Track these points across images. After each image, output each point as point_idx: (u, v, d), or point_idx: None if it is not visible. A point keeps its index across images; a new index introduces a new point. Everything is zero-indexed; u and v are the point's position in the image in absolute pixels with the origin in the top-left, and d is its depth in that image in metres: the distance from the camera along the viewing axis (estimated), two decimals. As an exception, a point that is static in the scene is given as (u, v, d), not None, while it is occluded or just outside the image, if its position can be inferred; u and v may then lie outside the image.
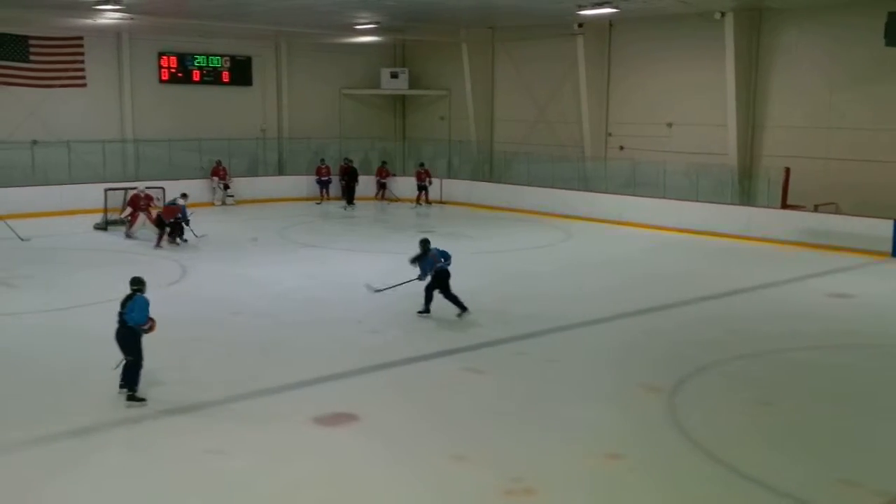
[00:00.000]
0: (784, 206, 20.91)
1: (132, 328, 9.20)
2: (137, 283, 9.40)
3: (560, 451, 8.35)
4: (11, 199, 20.79)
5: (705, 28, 22.38)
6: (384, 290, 13.73)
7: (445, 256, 13.15)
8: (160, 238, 18.86)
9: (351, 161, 26.88)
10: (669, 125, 23.91)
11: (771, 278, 16.52)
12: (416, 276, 13.24)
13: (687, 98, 23.56)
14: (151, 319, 9.31)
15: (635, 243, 20.48)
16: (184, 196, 19.46)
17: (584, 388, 10.22)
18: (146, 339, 9.33)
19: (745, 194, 22.25)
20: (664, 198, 22.44)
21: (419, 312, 13.21)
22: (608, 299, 14.68)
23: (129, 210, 20.35)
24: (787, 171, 20.99)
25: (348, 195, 26.21)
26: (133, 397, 9.23)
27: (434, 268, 13.00)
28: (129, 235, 19.97)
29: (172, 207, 19.02)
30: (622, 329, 12.94)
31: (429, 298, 13.15)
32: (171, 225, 18.84)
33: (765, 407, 9.71)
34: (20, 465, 7.85)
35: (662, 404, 9.59)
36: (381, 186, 27.20)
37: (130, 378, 9.24)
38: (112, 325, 9.38)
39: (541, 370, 10.88)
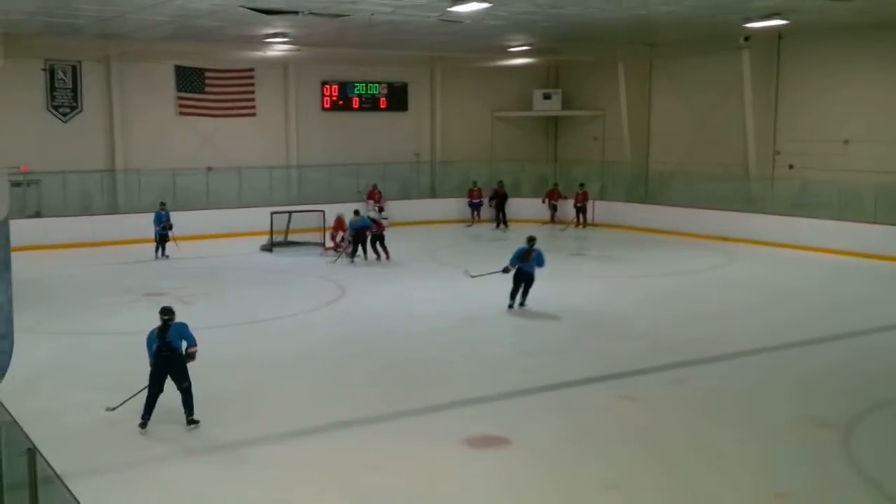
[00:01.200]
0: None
1: (181, 355, 9.03)
2: (169, 313, 9.14)
3: (722, 487, 7.83)
4: (188, 222, 22.13)
5: (884, 38, 20.84)
6: (480, 275, 15.17)
7: (540, 262, 14.76)
8: (380, 252, 20.08)
9: (502, 183, 26.99)
10: (845, 142, 22.38)
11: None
12: (502, 269, 14.83)
13: (865, 113, 21.97)
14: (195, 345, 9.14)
15: (805, 268, 19.26)
16: (356, 213, 20.80)
17: (746, 421, 9.57)
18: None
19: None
20: (839, 219, 20.99)
21: (509, 307, 14.69)
22: (774, 327, 13.78)
23: (341, 234, 21.05)
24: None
25: (500, 217, 26.35)
26: (192, 420, 9.13)
27: (518, 265, 14.60)
28: (351, 257, 20.17)
29: (380, 223, 20.70)
30: (790, 359, 12.08)
31: (514, 293, 14.72)
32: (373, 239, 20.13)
33: (957, 449, 8.76)
34: (178, 477, 8.19)
35: (835, 441, 8.84)
36: (554, 209, 26.98)
37: (192, 404, 9.13)
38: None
39: (699, 400, 10.32)
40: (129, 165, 24.45)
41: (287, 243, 22.20)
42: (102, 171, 24.14)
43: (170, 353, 9.05)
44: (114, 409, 9.34)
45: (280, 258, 20.94)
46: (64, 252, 21.15)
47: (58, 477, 5.38)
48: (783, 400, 10.27)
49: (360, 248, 20.13)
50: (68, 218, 22.58)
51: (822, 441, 8.90)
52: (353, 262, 19.89)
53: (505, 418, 9.60)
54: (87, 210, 23.41)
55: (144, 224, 21.39)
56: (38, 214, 22.89)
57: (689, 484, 7.92)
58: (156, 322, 8.62)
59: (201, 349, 9.25)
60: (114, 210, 23.98)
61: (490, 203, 26.86)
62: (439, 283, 17.68)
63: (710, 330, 13.68)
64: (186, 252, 20.49)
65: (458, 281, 17.86)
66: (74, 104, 23.76)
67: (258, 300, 16.11)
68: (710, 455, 8.60)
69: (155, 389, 9.07)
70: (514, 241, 24.05)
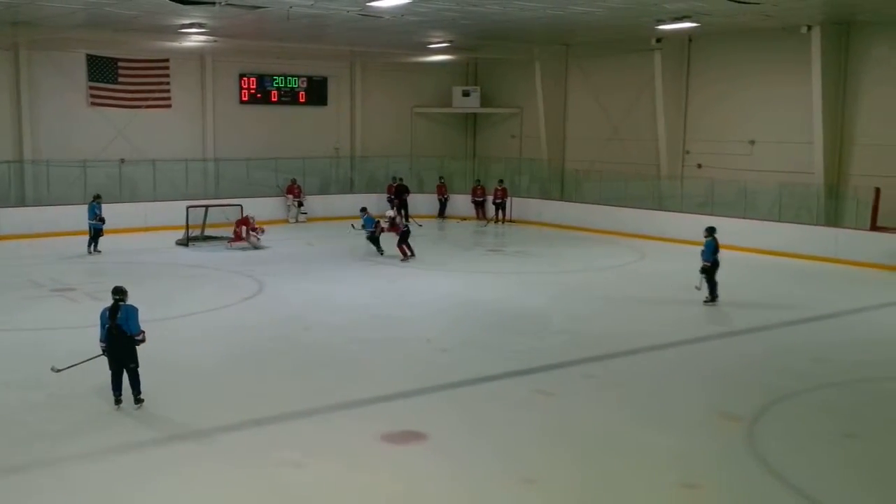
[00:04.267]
0: (873, 227, 20.07)
1: (131, 336, 9.33)
2: (120, 293, 9.41)
3: (633, 478, 8.11)
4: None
5: (790, 42, 21.75)
6: (700, 287, 15.27)
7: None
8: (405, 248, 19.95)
9: (402, 178, 27.31)
10: (751, 143, 23.29)
11: (858, 303, 15.88)
12: (705, 264, 15.26)
13: (770, 114, 22.91)
14: (142, 331, 9.47)
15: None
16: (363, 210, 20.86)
17: (657, 414, 9.93)
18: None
19: (832, 215, 21.45)
20: (745, 218, 21.82)
21: (705, 301, 15.18)
22: (683, 323, 14.30)
23: (242, 229, 21.20)
24: (878, 190, 20.17)
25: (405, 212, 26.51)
26: (139, 399, 9.49)
27: (712, 258, 15.15)
28: (245, 243, 21.02)
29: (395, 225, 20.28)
30: (698, 354, 12.56)
31: (713, 286, 15.24)
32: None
33: (849, 439, 9.27)
34: (99, 474, 8.03)
35: (741, 433, 9.24)
36: (478, 206, 27.27)
37: (138, 383, 9.48)
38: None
39: (612, 394, 10.63)
40: (38, 156, 23.62)
41: (203, 238, 21.82)
42: (10, 161, 23.23)
43: (118, 334, 9.25)
44: (60, 370, 9.47)
45: (196, 253, 20.58)
46: (-33, 246, 20.32)
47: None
48: (693, 393, 10.67)
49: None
50: (-28, 211, 21.69)
51: (730, 434, 9.26)
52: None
53: (422, 414, 9.72)
54: (-8, 202, 22.54)
55: (54, 217, 20.71)
56: (-61, 207, 21.93)
57: (601, 477, 8.17)
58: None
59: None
60: (21, 202, 23.12)
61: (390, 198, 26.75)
62: (357, 279, 17.67)
63: (623, 324, 14.08)
64: (98, 246, 19.95)
65: (375, 278, 17.92)
66: (-21, 93, 22.83)
67: (173, 296, 15.81)
68: (622, 448, 8.87)
69: (113, 367, 9.36)
70: (434, 237, 24.43)
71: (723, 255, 20.74)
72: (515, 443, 8.94)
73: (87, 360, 9.42)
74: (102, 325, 9.36)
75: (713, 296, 15.27)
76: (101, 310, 9.53)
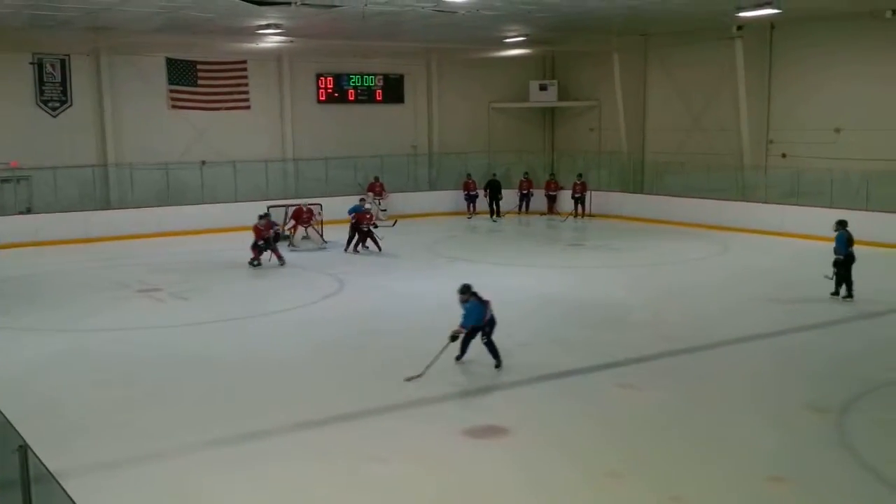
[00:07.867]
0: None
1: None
2: (469, 287, 10.90)
3: (719, 471, 7.90)
4: (183, 216, 22.03)
5: (875, 28, 20.89)
6: (831, 277, 14.54)
7: None
8: (354, 244, 20.07)
9: (494, 174, 27.27)
10: (837, 131, 22.42)
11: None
12: (838, 258, 14.49)
13: (857, 102, 22.01)
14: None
15: (798, 255, 19.31)
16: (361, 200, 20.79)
17: (743, 406, 9.66)
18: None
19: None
20: (831, 207, 21.03)
21: (843, 297, 14.37)
22: (769, 314, 13.85)
23: (292, 223, 21.33)
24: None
25: (495, 208, 26.66)
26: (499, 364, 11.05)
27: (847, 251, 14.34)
28: (291, 245, 20.92)
29: (363, 214, 20.24)
30: (784, 345, 12.15)
31: (849, 282, 14.45)
32: (363, 232, 20.05)
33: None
34: (188, 468, 8.20)
35: (829, 425, 8.95)
36: (551, 200, 27.22)
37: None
38: None
39: (697, 387, 10.38)
40: (121, 160, 24.27)
41: (284, 237, 22.11)
42: (94, 166, 23.98)
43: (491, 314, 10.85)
44: (416, 377, 10.24)
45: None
46: (56, 248, 21.04)
47: (50, 474, 5.25)
48: (776, 385, 10.36)
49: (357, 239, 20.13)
50: (59, 214, 22.37)
51: (817, 425, 8.99)
52: (357, 252, 20.00)
53: (504, 409, 9.66)
54: (78, 206, 23.05)
55: (137, 219, 21.27)
56: (28, 211, 22.75)
57: (688, 470, 7.97)
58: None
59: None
60: (106, 206, 23.81)
61: (485, 194, 26.93)
62: (438, 275, 17.64)
63: (706, 317, 13.73)
64: (180, 247, 20.41)
65: (455, 274, 17.81)
66: (64, 98, 23.56)
67: (255, 294, 16.09)
68: (706, 440, 8.65)
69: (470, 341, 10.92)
70: (510, 232, 24.30)
71: (808, 245, 20.35)
72: (600, 436, 8.79)
73: (439, 355, 10.44)
74: (473, 315, 10.66)
75: (850, 292, 14.46)
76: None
